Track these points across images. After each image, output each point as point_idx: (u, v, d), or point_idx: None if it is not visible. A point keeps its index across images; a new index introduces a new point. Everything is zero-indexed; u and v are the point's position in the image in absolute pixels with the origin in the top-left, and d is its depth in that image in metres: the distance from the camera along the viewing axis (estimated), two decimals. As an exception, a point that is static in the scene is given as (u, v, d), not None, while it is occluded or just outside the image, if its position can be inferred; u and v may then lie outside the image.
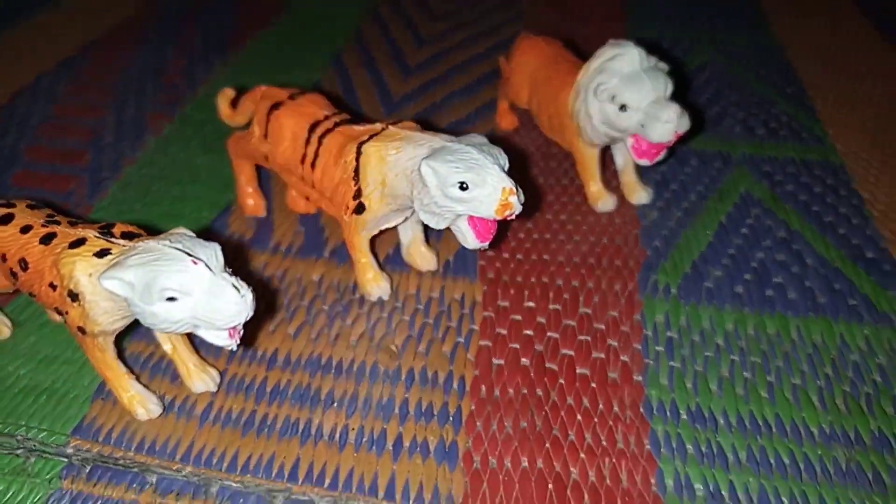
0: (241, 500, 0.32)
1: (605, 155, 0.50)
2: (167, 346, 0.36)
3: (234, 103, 0.47)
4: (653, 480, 0.33)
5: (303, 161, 0.41)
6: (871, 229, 0.47)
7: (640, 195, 0.49)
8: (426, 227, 0.44)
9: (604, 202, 0.49)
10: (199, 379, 0.36)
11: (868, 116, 0.59)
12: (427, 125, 0.41)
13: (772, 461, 0.33)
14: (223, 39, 0.72)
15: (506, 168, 0.36)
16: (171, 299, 0.29)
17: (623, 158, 0.49)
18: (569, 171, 0.52)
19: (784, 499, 0.32)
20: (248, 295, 0.29)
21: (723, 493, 0.32)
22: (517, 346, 0.39)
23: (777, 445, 0.34)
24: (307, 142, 0.41)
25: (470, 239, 0.37)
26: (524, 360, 0.39)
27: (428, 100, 0.63)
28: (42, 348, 0.39)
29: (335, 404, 0.36)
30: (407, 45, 0.72)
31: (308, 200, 0.46)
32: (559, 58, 0.51)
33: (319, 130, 0.41)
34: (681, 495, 0.32)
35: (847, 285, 0.43)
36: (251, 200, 0.48)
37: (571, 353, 0.39)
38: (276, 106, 0.43)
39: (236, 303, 0.29)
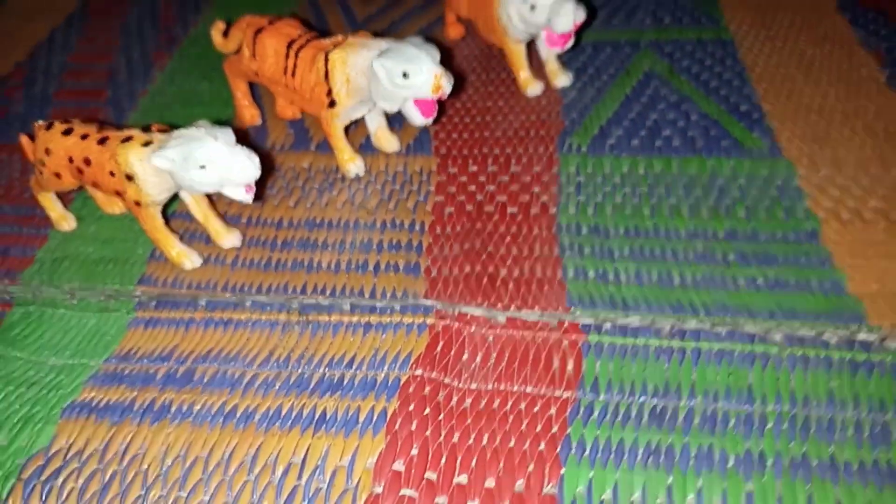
0: (268, 307, 0.44)
1: (531, 50, 0.61)
2: (200, 216, 0.48)
3: (225, 34, 0.58)
4: (559, 272, 0.45)
5: (285, 72, 0.53)
6: (748, 88, 0.59)
7: (561, 79, 0.61)
8: (388, 117, 0.55)
9: (532, 87, 0.60)
10: (227, 238, 0.48)
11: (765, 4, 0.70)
12: (378, 36, 0.52)
13: (647, 254, 0.46)
14: (205, -15, 0.83)
15: (437, 60, 0.47)
16: (202, 167, 0.41)
17: (545, 51, 0.60)
18: (504, 66, 0.64)
19: (675, 277, 0.44)
20: (256, 159, 0.42)
21: (609, 275, 0.45)
22: (463, 198, 0.52)
23: (653, 244, 0.46)
24: (286, 56, 0.52)
25: (417, 117, 0.49)
26: (468, 207, 0.51)
27: (387, 19, 0.74)
28: (101, 233, 0.52)
29: (330, 248, 0.49)
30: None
31: (293, 105, 0.57)
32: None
33: (295, 46, 0.52)
34: (578, 279, 0.45)
35: (721, 131, 0.55)
36: (248, 112, 0.60)
37: (504, 199, 0.51)
38: (259, 30, 0.54)
39: (249, 164, 0.41)
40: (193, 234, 0.50)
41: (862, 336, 0.39)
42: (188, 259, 0.47)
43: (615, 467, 0.35)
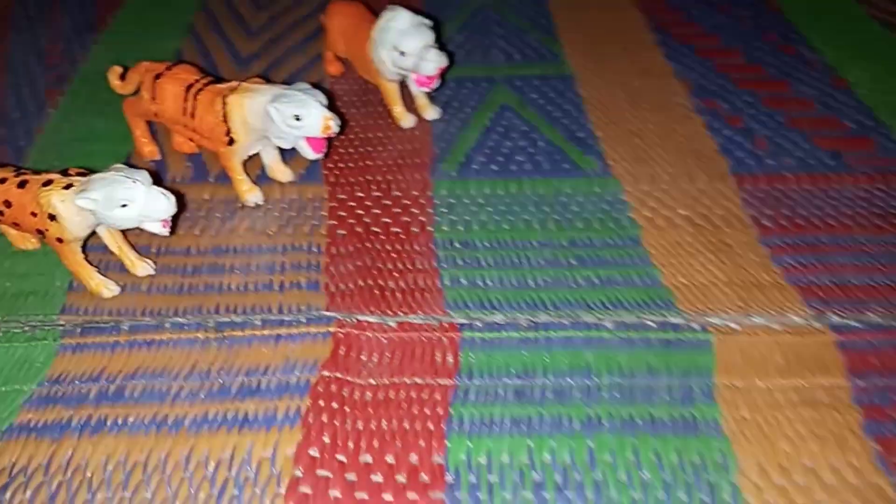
0: (186, 327, 0.50)
1: (404, 86, 0.70)
2: (115, 248, 0.53)
3: (122, 76, 0.63)
4: (437, 281, 0.54)
5: (184, 113, 0.59)
6: (584, 117, 0.71)
7: (430, 112, 0.70)
8: (281, 150, 0.62)
9: (406, 120, 0.69)
10: (141, 267, 0.54)
11: (595, 36, 0.83)
12: (268, 79, 0.59)
13: (507, 262, 0.56)
14: (88, 21, 0.85)
15: (325, 103, 0.55)
16: (123, 206, 0.47)
17: (415, 88, 0.69)
18: (380, 100, 0.72)
19: (530, 281, 0.54)
20: (172, 197, 0.48)
21: (477, 281, 0.54)
22: (353, 221, 0.60)
23: (512, 254, 0.57)
24: (185, 99, 0.58)
25: (309, 153, 0.56)
26: (358, 229, 0.59)
27: (271, 55, 0.80)
28: (17, 268, 0.55)
29: (237, 271, 0.55)
30: (246, 10, 0.88)
31: (191, 142, 0.63)
32: (362, 17, 0.70)
33: (193, 90, 0.58)
34: (453, 286, 0.54)
35: (563, 156, 0.66)
36: (147, 148, 0.65)
37: (388, 220, 0.60)
38: (158, 76, 0.59)
39: (166, 202, 0.47)
40: (108, 265, 0.55)
41: (672, 319, 0.51)
42: (106, 288, 0.52)
43: (488, 437, 0.44)
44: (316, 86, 0.57)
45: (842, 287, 0.53)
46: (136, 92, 0.62)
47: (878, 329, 0.50)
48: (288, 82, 0.58)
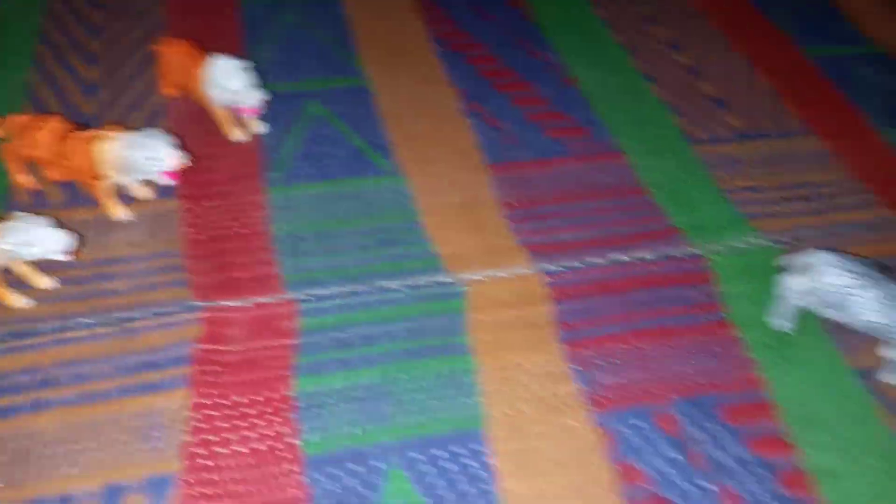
0: (93, 325, 0.68)
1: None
2: (21, 270, 0.69)
3: (-7, 126, 0.76)
4: (277, 268, 0.74)
5: (58, 157, 0.73)
6: (380, 123, 0.92)
7: (258, 127, 0.88)
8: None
9: (238, 136, 0.87)
10: (45, 281, 0.70)
11: (387, 50, 1.03)
12: (128, 126, 0.75)
13: (329, 248, 0.77)
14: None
15: (171, 143, 0.72)
16: (32, 247, 0.63)
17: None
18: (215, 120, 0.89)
19: (347, 261, 0.76)
20: (72, 235, 0.65)
21: (307, 265, 0.75)
22: (205, 227, 0.78)
23: (334, 241, 0.78)
24: (58, 146, 0.73)
25: (165, 180, 0.74)
26: (211, 233, 0.77)
27: (114, 81, 0.94)
28: (-69, 294, 0.69)
29: (118, 278, 0.72)
30: (82, 36, 1.00)
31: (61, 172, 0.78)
32: (191, 55, 0.86)
33: (65, 138, 0.73)
34: (289, 272, 0.74)
35: (364, 158, 0.87)
36: (23, 180, 0.79)
37: (233, 222, 0.79)
38: (31, 128, 0.74)
39: (68, 238, 0.64)
40: (12, 283, 0.71)
41: (441, 279, 0.74)
42: (20, 301, 0.68)
43: (321, 374, 0.66)
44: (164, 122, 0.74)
45: (556, 244, 0.79)
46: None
47: (576, 270, 0.76)
48: (134, 107, 0.75)
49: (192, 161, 0.84)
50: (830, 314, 0.72)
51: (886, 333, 0.66)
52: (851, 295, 0.66)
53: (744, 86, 1.02)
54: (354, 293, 0.72)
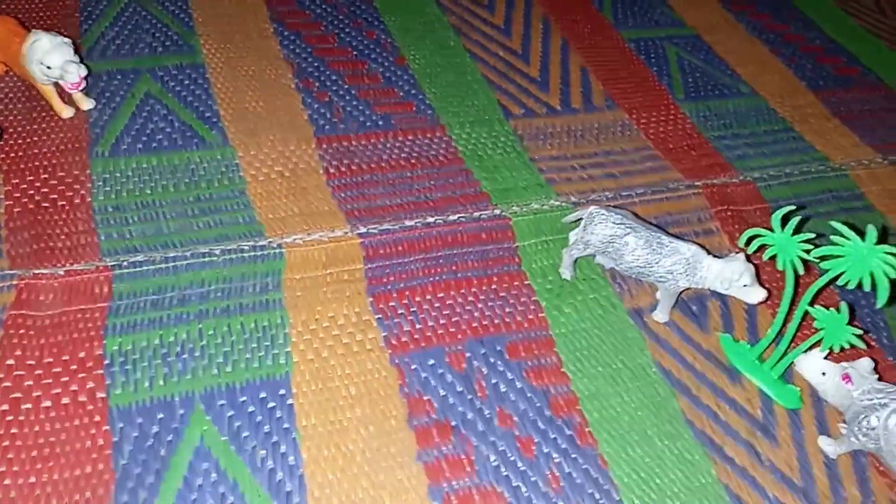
0: None
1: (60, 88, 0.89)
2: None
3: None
4: (96, 237, 0.77)
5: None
6: (212, 100, 0.95)
7: (85, 104, 0.90)
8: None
9: (65, 112, 0.89)
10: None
11: (226, 28, 1.06)
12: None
13: (147, 218, 0.80)
14: None
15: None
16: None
17: (68, 87, 0.88)
18: (42, 96, 0.90)
19: (164, 228, 0.79)
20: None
21: (126, 234, 0.78)
22: (26, 199, 0.80)
23: (152, 212, 0.81)
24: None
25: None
26: (30, 206, 0.79)
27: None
28: None
29: None
30: None
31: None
32: (12, 31, 0.86)
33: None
34: (108, 239, 0.77)
35: (193, 132, 0.90)
36: None
37: (55, 195, 0.80)
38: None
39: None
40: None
41: (260, 242, 0.79)
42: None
43: (132, 334, 0.70)
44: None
45: (372, 209, 0.85)
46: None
47: (387, 232, 0.83)
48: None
49: (16, 130, 0.86)
50: (607, 262, 0.82)
51: (650, 276, 0.75)
52: (621, 243, 0.75)
53: (559, 67, 1.11)
54: (171, 258, 0.76)
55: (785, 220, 0.68)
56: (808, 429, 0.72)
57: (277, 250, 0.79)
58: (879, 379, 0.68)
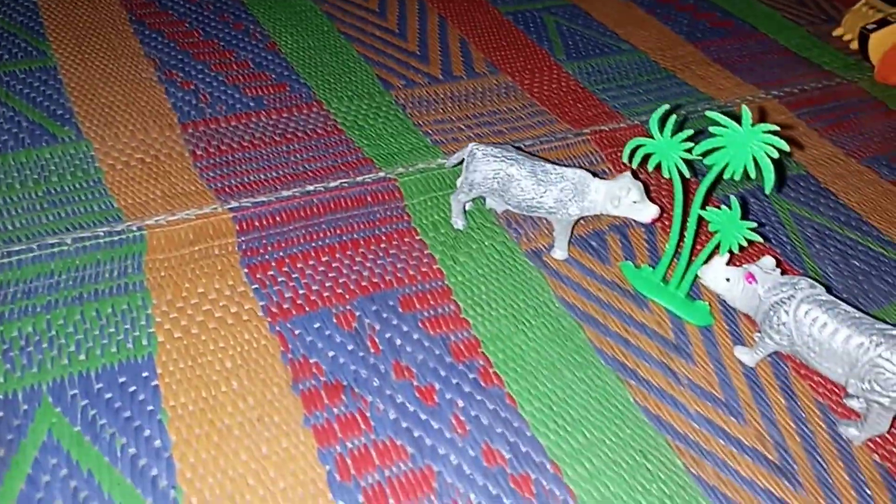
0: None
1: None
2: None
3: None
4: None
5: None
6: (64, 98, 0.88)
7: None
8: None
9: None
10: None
11: (82, 32, 1.00)
12: None
13: (-9, 216, 0.72)
14: None
15: None
16: None
17: None
18: None
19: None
20: None
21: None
22: None
23: (-4, 209, 0.73)
24: None
25: None
26: None
27: None
28: None
29: None
30: None
31: None
32: None
33: None
34: None
35: (43, 130, 0.83)
36: None
37: None
38: None
39: None
40: None
41: (118, 227, 0.72)
42: None
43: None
44: None
45: (245, 184, 0.79)
46: None
47: (262, 204, 0.77)
48: None
49: None
50: (498, 204, 0.78)
51: (540, 208, 0.71)
52: (504, 177, 0.71)
53: (438, 41, 1.09)
54: (15, 252, 0.68)
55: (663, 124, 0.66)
56: (722, 343, 0.69)
57: (137, 233, 0.72)
58: (783, 274, 0.65)
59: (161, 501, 0.52)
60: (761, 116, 1.01)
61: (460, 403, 0.61)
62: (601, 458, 0.58)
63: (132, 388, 0.59)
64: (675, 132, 0.65)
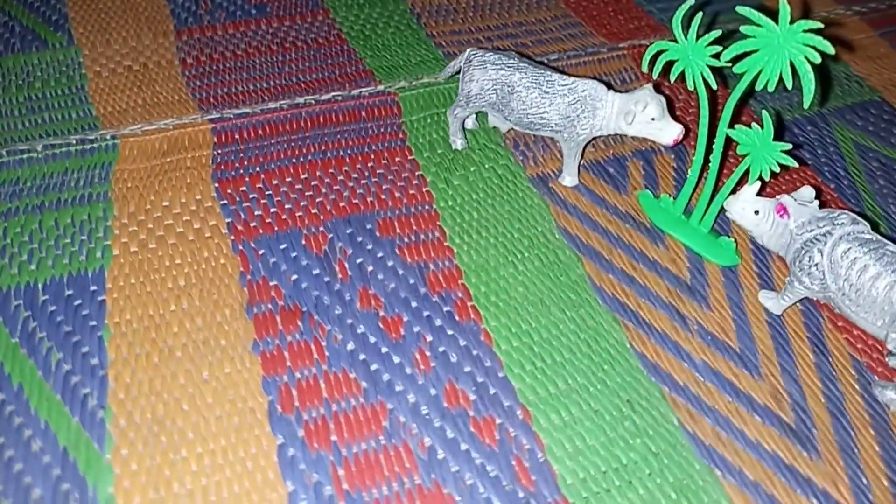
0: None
1: None
2: None
3: None
4: None
5: None
6: (61, 3, 0.84)
7: None
8: None
9: None
10: None
11: None
12: None
13: (-32, 120, 0.69)
14: None
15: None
16: None
17: None
18: None
19: None
20: None
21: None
22: None
23: (-27, 114, 0.70)
24: None
25: None
26: None
27: None
28: None
29: None
30: None
31: None
32: None
33: None
34: None
35: (34, 35, 0.79)
36: None
37: None
38: None
39: None
40: None
41: (91, 136, 0.68)
42: None
43: None
44: None
45: (230, 95, 0.73)
46: None
47: (245, 116, 0.71)
48: None
49: None
50: (501, 122, 0.69)
51: (544, 126, 0.63)
52: (505, 87, 0.62)
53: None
54: None
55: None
56: (747, 286, 0.59)
57: (111, 142, 0.67)
58: (822, 207, 0.55)
59: (88, 420, 0.49)
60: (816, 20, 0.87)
61: (428, 338, 0.54)
62: (580, 407, 0.51)
63: (77, 302, 0.55)
64: (701, 35, 0.55)
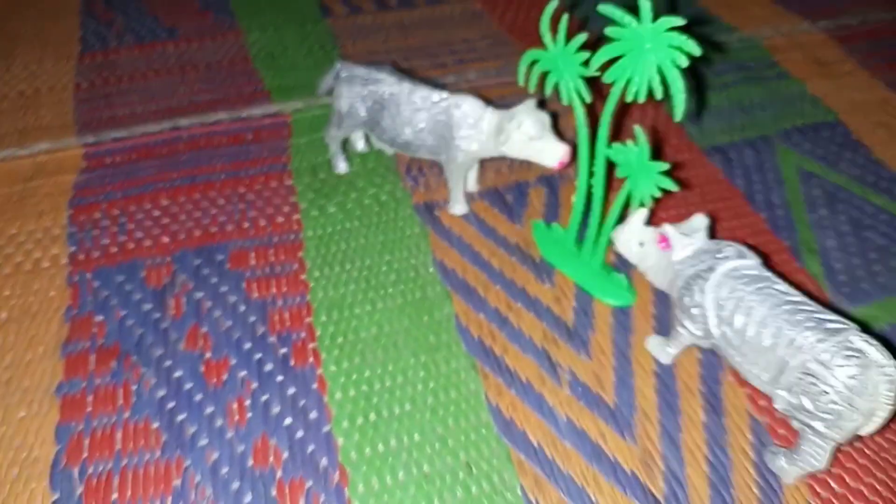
0: None
1: None
2: None
3: None
4: None
5: None
6: None
7: None
8: None
9: None
10: None
11: None
12: None
13: None
14: None
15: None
16: None
17: None
18: None
19: None
20: None
21: None
22: None
23: None
24: None
25: None
26: None
27: None
28: None
29: None
30: None
31: None
32: None
33: None
34: None
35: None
36: None
37: None
38: None
39: None
40: None
41: None
42: None
43: None
44: None
45: (114, 118, 0.69)
46: None
47: (121, 140, 0.66)
48: None
49: None
50: (385, 145, 0.63)
51: (420, 146, 0.56)
52: (378, 104, 0.56)
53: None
54: None
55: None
56: (639, 330, 0.51)
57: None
58: (713, 237, 0.47)
59: None
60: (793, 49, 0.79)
61: (252, 385, 0.48)
62: (410, 470, 0.43)
63: None
64: (571, 38, 0.48)
